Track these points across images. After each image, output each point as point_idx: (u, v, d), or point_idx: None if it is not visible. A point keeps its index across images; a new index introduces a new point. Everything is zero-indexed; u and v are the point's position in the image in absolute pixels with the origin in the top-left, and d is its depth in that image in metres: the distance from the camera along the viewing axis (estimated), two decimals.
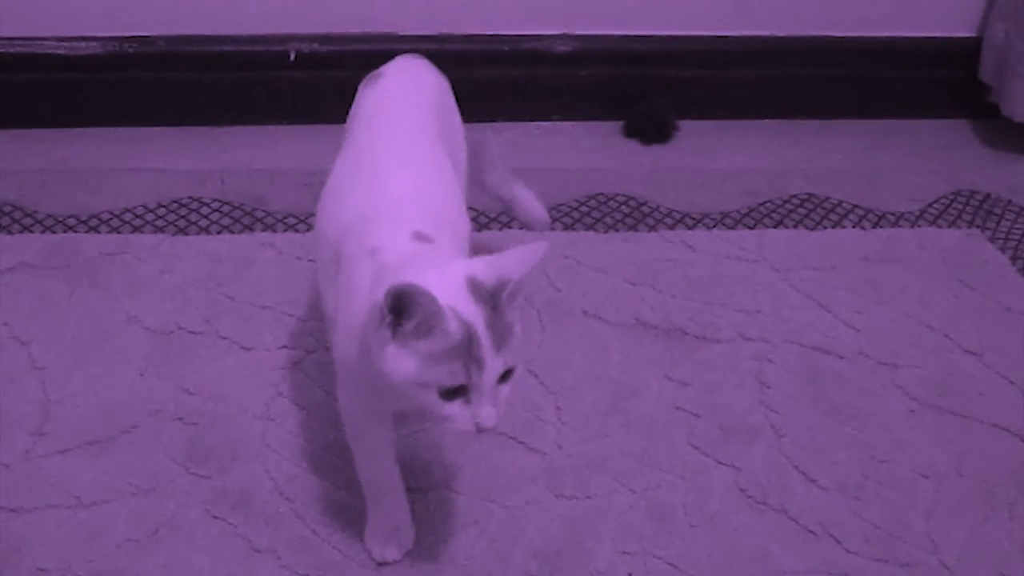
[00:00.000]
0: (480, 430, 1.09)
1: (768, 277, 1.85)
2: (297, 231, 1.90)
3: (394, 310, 1.05)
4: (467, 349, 1.06)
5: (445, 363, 1.06)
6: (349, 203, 1.26)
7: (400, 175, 1.28)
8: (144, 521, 1.37)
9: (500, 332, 1.08)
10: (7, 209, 1.91)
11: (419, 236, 1.18)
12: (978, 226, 2.03)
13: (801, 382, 1.64)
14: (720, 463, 1.50)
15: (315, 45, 2.20)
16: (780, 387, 1.63)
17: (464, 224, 1.33)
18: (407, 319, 1.05)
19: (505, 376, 1.10)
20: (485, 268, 1.10)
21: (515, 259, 1.10)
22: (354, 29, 2.20)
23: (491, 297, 1.08)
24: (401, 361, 1.07)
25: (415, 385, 1.08)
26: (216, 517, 1.38)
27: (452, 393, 1.08)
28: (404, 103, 1.43)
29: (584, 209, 2.01)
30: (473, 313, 1.07)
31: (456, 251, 1.22)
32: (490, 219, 1.94)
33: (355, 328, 1.16)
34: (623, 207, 2.02)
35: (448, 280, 1.08)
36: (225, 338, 1.65)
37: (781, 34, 2.32)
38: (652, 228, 1.97)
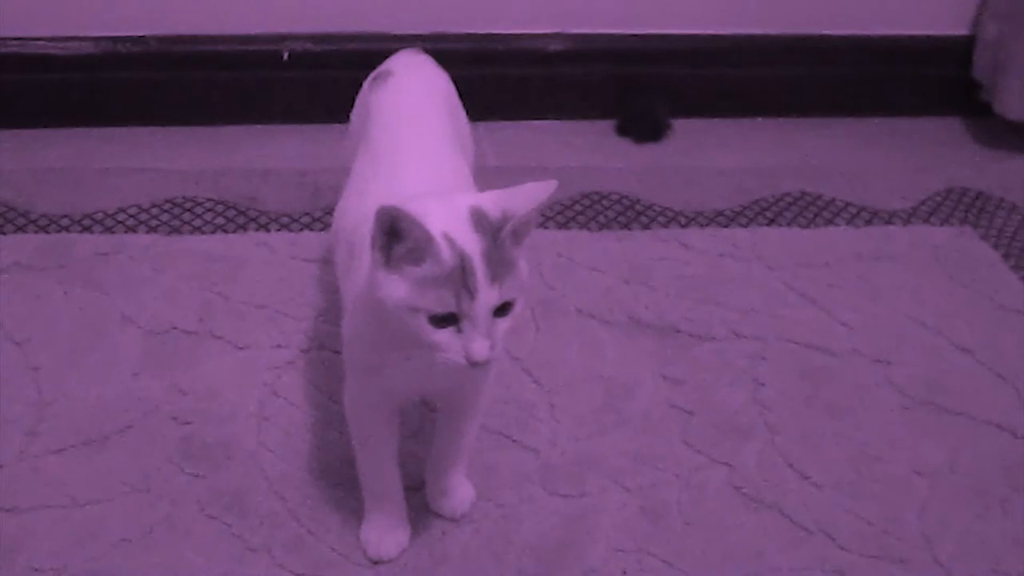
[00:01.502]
0: (472, 363, 1.08)
1: (762, 275, 1.86)
2: (291, 230, 1.90)
3: (386, 232, 1.05)
4: (460, 277, 1.05)
5: (435, 289, 1.06)
6: (368, 198, 1.26)
7: (418, 172, 1.28)
8: (139, 521, 1.37)
9: (498, 264, 1.07)
10: (1, 209, 1.90)
11: None
12: (970, 224, 2.04)
13: (795, 380, 1.64)
14: (714, 461, 1.51)
15: (309, 45, 2.20)
16: (774, 385, 1.63)
17: None
18: (399, 243, 1.05)
19: (504, 310, 1.09)
20: (492, 201, 1.09)
21: (523, 194, 1.09)
22: (348, 28, 2.20)
23: (494, 230, 1.07)
24: (393, 285, 1.07)
25: (406, 310, 1.07)
26: (211, 516, 1.38)
27: (443, 320, 1.07)
28: (418, 101, 1.43)
29: (577, 208, 2.01)
30: (470, 242, 1.06)
31: None
32: None
33: (361, 305, 1.16)
34: (616, 205, 2.03)
35: (450, 209, 1.08)
36: (219, 337, 1.65)
37: (774, 32, 2.33)
38: (646, 227, 1.97)
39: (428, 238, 1.04)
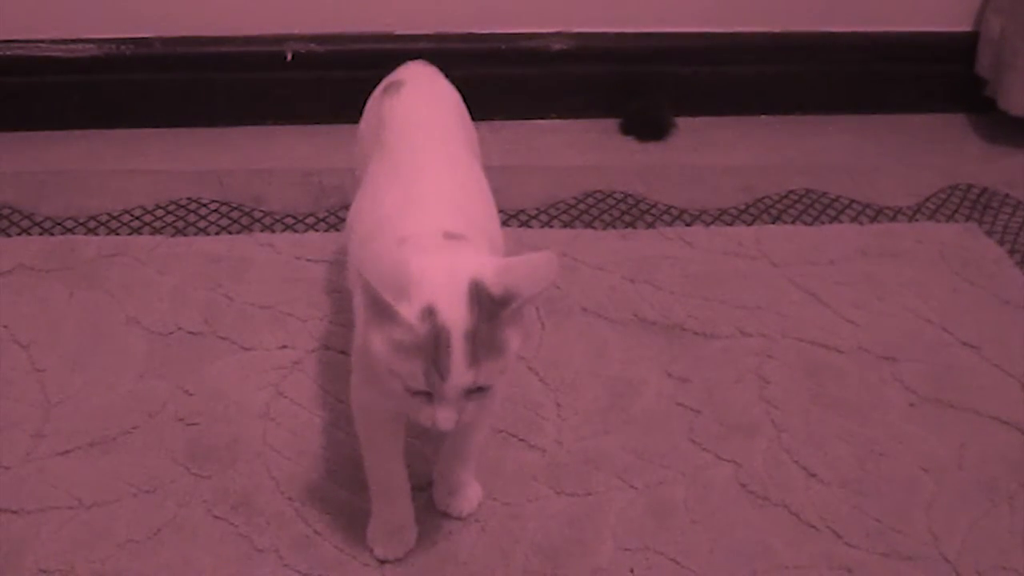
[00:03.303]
0: (436, 430, 1.09)
1: (767, 272, 1.86)
2: (295, 231, 1.90)
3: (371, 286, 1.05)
4: (432, 353, 1.04)
5: (407, 360, 1.05)
6: (386, 201, 1.25)
7: (438, 177, 1.28)
8: (145, 522, 1.37)
9: (483, 346, 1.05)
10: (5, 212, 1.90)
11: (450, 236, 1.15)
12: (975, 220, 2.03)
13: (801, 377, 1.64)
14: (721, 459, 1.51)
15: (312, 45, 2.20)
16: (780, 382, 1.63)
17: (497, 232, 1.32)
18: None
19: (477, 390, 1.08)
20: (495, 274, 1.07)
21: (526, 272, 1.06)
22: (351, 29, 2.20)
23: (493, 306, 1.05)
24: (377, 340, 1.06)
25: (385, 370, 1.07)
26: (217, 517, 1.38)
27: (416, 391, 1.07)
28: (432, 109, 1.43)
29: (582, 207, 2.01)
30: (454, 318, 1.04)
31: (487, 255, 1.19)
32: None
33: (361, 344, 1.16)
34: (621, 204, 2.02)
35: (448, 276, 1.06)
36: (225, 338, 1.65)
37: (777, 30, 2.33)
38: (650, 225, 1.97)
39: (394, 312, 1.03)
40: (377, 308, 1.05)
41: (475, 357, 1.05)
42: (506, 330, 1.06)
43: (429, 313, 1.04)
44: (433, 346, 1.04)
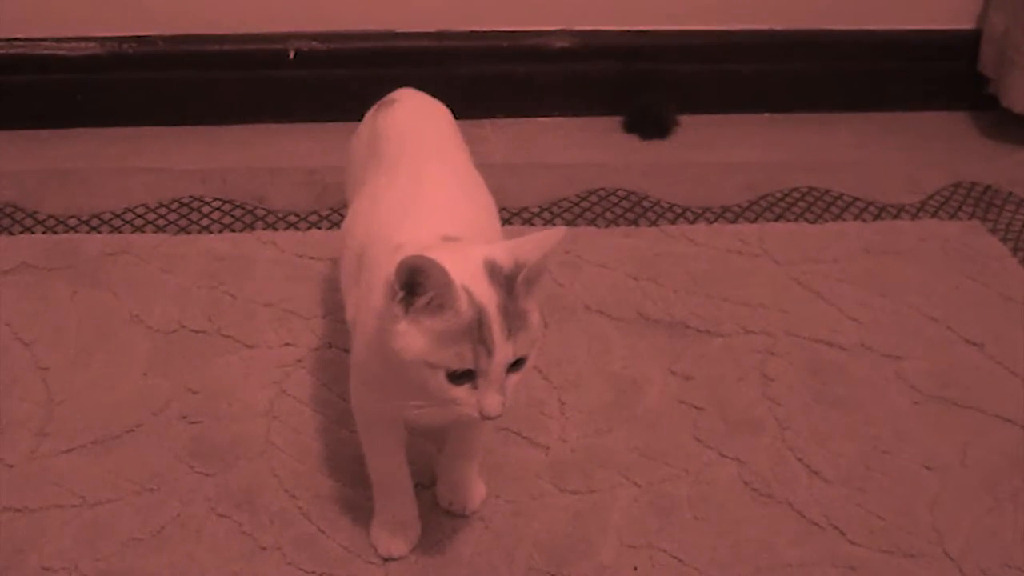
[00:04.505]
0: (485, 417, 1.09)
1: (770, 270, 1.85)
2: (298, 229, 1.90)
3: (406, 285, 1.05)
4: (477, 332, 1.06)
5: (453, 344, 1.06)
6: (382, 204, 1.27)
7: (434, 182, 1.29)
8: (149, 520, 1.37)
9: (513, 318, 1.07)
10: (8, 210, 1.90)
11: (449, 239, 1.16)
12: (979, 217, 2.03)
13: (804, 375, 1.64)
14: (724, 456, 1.50)
15: (314, 43, 2.20)
16: (783, 380, 1.63)
17: (497, 234, 1.33)
18: (420, 294, 1.05)
19: (516, 365, 1.10)
20: (504, 252, 1.10)
21: (533, 243, 1.09)
22: (354, 27, 2.20)
23: (508, 281, 1.08)
24: (411, 338, 1.07)
25: (424, 365, 1.07)
26: (221, 515, 1.38)
27: (460, 377, 1.08)
28: (426, 120, 1.45)
29: (585, 204, 2.01)
30: (486, 295, 1.07)
31: None
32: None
33: (374, 325, 1.16)
34: (624, 202, 2.02)
35: (464, 261, 1.08)
36: (228, 336, 1.65)
37: (780, 28, 2.33)
38: (653, 223, 1.97)
39: (449, 285, 1.04)
40: (418, 304, 1.06)
41: (510, 329, 1.07)
42: (524, 301, 1.09)
43: (467, 292, 1.06)
44: (477, 325, 1.06)
